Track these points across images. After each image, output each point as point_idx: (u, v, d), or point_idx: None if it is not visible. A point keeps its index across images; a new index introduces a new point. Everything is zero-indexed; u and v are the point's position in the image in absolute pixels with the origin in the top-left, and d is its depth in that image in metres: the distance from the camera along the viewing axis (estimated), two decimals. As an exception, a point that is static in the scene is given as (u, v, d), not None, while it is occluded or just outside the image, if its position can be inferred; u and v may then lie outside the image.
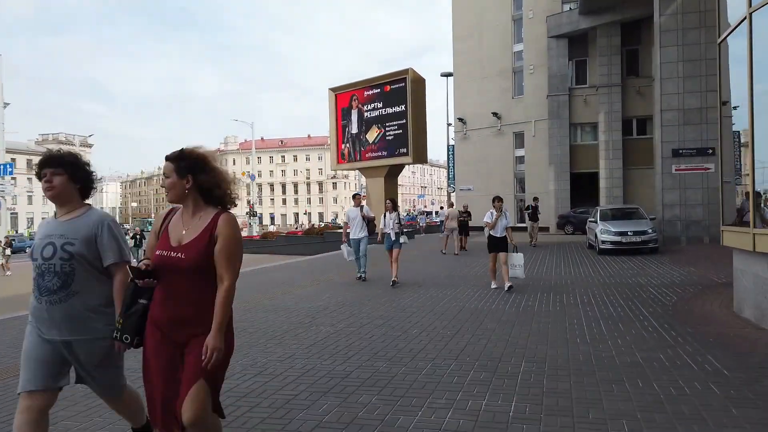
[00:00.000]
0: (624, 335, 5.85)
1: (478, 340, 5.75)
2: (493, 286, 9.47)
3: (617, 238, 15.09)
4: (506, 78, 34.01)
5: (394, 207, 11.39)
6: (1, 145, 28.24)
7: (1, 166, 27.53)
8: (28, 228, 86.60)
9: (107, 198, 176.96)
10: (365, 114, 28.04)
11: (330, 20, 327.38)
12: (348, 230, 11.34)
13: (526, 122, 32.83)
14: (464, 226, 18.17)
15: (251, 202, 50.11)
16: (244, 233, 46.42)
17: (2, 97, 27.61)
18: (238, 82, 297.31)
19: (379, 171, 27.28)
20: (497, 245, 9.60)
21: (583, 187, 30.12)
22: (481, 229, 24.42)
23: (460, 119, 35.57)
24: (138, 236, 22.75)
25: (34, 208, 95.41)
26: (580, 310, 7.41)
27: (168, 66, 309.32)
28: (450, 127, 38.68)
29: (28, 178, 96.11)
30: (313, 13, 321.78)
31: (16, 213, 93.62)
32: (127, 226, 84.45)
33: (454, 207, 19.90)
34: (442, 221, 31.19)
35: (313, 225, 66.03)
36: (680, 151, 17.56)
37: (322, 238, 28.99)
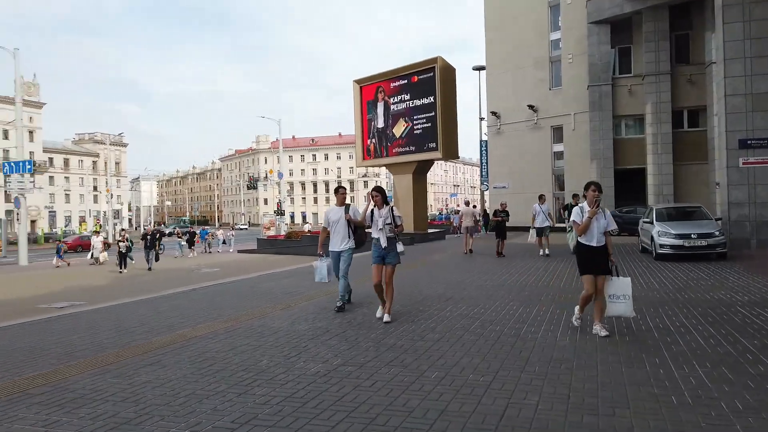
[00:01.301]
0: (739, 390, 4.01)
1: (524, 396, 4.00)
2: (601, 332, 5.78)
3: (678, 242, 13.02)
4: (543, 68, 31.87)
5: (384, 200, 7.19)
6: (21, 141, 27.51)
7: (20, 164, 26.84)
8: (65, 226, 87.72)
9: (143, 197, 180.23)
10: (392, 107, 26.38)
11: (360, 20, 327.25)
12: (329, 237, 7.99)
13: (564, 115, 30.66)
14: (501, 229, 15.57)
15: (279, 201, 48.96)
16: (271, 232, 45.27)
17: (20, 92, 26.87)
18: (269, 82, 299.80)
19: (407, 167, 25.57)
20: (597, 261, 5.88)
21: (628, 185, 27.85)
22: (519, 229, 22.36)
23: (494, 113, 33.58)
24: (149, 237, 21.54)
25: (72, 207, 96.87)
26: (657, 341, 5.56)
27: (202, 66, 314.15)
28: (483, 122, 36.70)
29: (65, 177, 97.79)
30: (343, 13, 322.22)
31: (54, 211, 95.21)
32: (166, 227, 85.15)
33: (470, 206, 18.73)
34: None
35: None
36: (749, 142, 15.31)
37: (346, 238, 27.44)
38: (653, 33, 26.49)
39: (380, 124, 26.86)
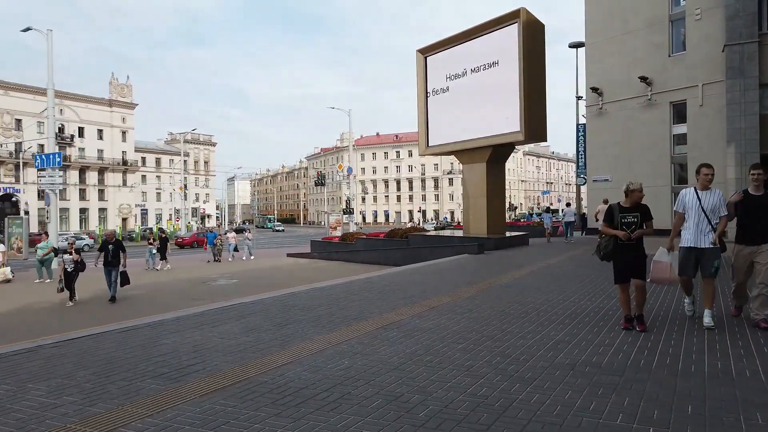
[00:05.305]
0: None
1: None
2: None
3: None
4: (660, 30, 25.17)
5: None
6: (52, 132, 25.12)
7: (50, 156, 24.41)
8: (157, 223, 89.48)
9: (236, 196, 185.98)
10: (462, 78, 21.14)
11: (453, 15, 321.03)
12: None
13: (689, 87, 23.86)
14: (632, 252, 5.90)
15: (348, 199, 44.96)
16: (337, 233, 41.31)
17: (52, 75, 24.47)
18: (362, 83, 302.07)
19: (480, 154, 20.26)
20: None
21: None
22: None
23: (594, 89, 27.24)
24: (110, 247, 13.54)
25: (162, 205, 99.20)
26: None
27: (299, 70, 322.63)
28: (580, 102, 30.45)
29: (156, 176, 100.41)
30: (436, 10, 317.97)
31: (146, 209, 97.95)
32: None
33: (608, 203, 13.83)
34: (568, 222, 23.86)
35: (414, 223, 59.76)
36: None
37: (405, 242, 22.57)
38: (822, -32, 19.42)
39: (448, 100, 21.72)
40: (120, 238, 16.22)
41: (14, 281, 19.39)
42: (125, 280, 13.65)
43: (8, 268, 19.82)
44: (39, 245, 19.82)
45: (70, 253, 13.68)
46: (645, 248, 5.85)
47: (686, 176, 24.07)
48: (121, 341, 5.90)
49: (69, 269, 13.45)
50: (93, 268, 14.32)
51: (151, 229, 60.98)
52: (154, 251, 23.64)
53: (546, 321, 6.48)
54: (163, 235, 24.50)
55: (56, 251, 17.20)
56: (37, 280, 18.96)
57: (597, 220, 18.28)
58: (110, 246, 13.50)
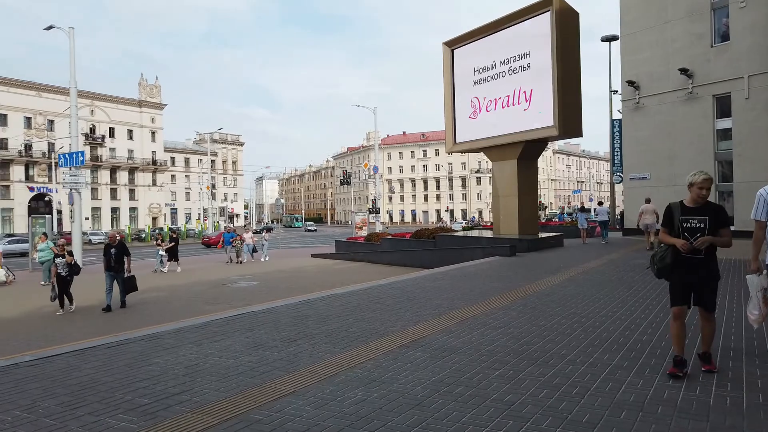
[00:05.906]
0: None
1: None
2: None
3: None
4: (701, 19, 23.73)
5: None
6: (75, 131, 24.92)
7: (73, 155, 24.22)
8: (186, 223, 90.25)
9: (266, 195, 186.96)
10: (491, 71, 20.15)
11: (476, 13, 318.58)
12: None
13: (734, 79, 22.39)
14: (700, 276, 4.41)
15: (374, 198, 44.23)
16: (363, 233, 40.60)
17: (74, 74, 24.27)
18: (388, 83, 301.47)
19: (510, 151, 19.24)
20: None
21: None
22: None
23: (631, 83, 25.88)
24: (113, 250, 12.00)
25: (191, 204, 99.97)
26: None
27: (324, 71, 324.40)
28: (615, 96, 29.09)
29: (185, 176, 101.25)
30: (458, 8, 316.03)
31: (176, 209, 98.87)
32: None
33: (651, 202, 15.03)
34: (603, 221, 22.79)
35: (441, 222, 58.62)
36: None
37: (433, 243, 21.65)
38: None
39: (476, 95, 20.74)
40: (148, 239, 15.12)
41: (17, 284, 18.80)
42: (132, 286, 12.10)
43: (2, 270, 18.83)
44: (38, 247, 18.91)
45: (63, 256, 12.13)
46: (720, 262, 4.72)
47: (731, 174, 22.63)
48: (106, 359, 5.19)
49: (63, 273, 11.95)
50: (93, 271, 13.52)
51: (173, 228, 60.95)
52: (162, 252, 22.33)
53: (597, 340, 5.56)
54: (174, 235, 23.52)
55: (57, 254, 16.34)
56: (43, 283, 17.90)
57: (638, 226, 17.06)
58: (113, 250, 11.96)
